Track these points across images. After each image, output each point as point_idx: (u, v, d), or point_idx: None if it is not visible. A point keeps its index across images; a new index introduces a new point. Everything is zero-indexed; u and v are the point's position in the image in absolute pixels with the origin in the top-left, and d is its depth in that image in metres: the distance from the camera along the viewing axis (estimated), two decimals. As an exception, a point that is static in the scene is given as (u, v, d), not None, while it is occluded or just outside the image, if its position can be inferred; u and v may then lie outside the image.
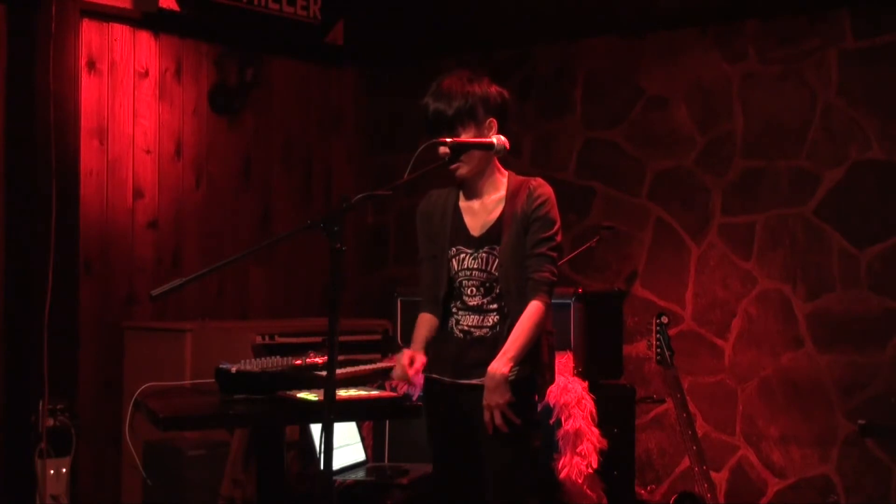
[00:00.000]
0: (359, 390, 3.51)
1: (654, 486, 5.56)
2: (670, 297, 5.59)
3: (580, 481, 4.32)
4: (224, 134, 5.96)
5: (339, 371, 3.26)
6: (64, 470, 4.87)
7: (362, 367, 3.65)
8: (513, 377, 3.32)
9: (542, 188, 3.45)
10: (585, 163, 5.90)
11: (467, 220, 3.49)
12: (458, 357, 3.46)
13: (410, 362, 3.41)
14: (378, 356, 5.04)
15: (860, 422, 4.83)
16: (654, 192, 5.68)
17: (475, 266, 3.44)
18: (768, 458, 5.32)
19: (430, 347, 3.53)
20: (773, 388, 5.31)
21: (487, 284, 3.44)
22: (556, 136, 5.99)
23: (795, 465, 5.25)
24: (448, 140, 3.34)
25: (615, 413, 4.58)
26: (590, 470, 4.34)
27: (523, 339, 3.34)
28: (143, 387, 3.67)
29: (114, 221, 5.44)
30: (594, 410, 4.42)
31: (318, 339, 5.24)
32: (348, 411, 3.50)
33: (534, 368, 3.40)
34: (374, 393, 3.52)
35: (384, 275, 6.57)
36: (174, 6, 5.47)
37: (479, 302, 3.45)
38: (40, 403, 4.85)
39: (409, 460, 4.65)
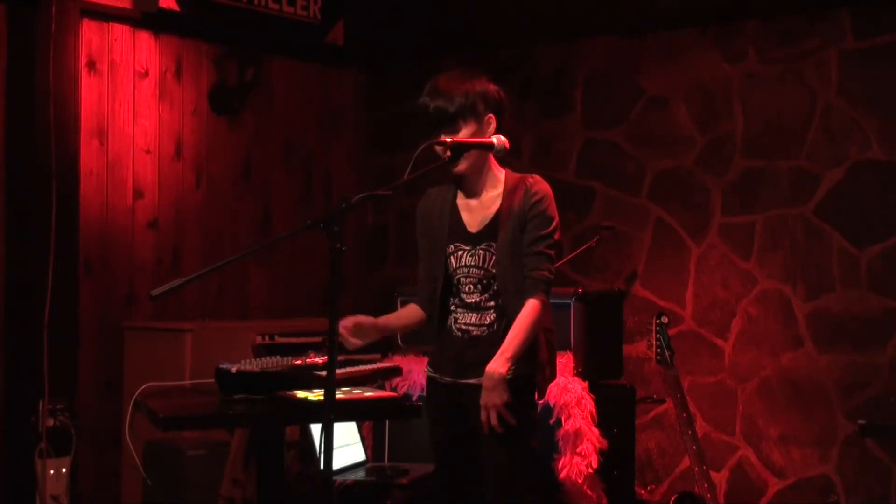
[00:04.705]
0: (359, 390, 3.51)
1: (654, 486, 5.56)
2: (670, 297, 5.59)
3: (580, 481, 4.32)
4: (224, 134, 5.95)
5: (339, 371, 3.26)
6: (64, 470, 4.87)
7: (362, 367, 3.65)
8: (511, 376, 3.32)
9: (540, 185, 3.45)
10: (585, 163, 5.90)
11: (465, 216, 3.50)
12: (457, 357, 3.46)
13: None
14: (378, 356, 5.03)
15: (860, 422, 4.82)
16: (654, 192, 5.68)
17: (472, 263, 3.44)
18: (768, 458, 5.32)
19: (431, 347, 3.53)
20: (773, 388, 5.31)
21: (485, 282, 3.44)
22: (556, 136, 5.99)
23: (795, 465, 5.25)
24: (448, 140, 3.34)
25: (615, 413, 4.58)
26: (590, 470, 4.34)
27: (521, 338, 3.33)
28: (143, 387, 3.66)
29: (114, 221, 5.44)
30: (594, 410, 4.42)
31: (318, 339, 5.25)
32: (348, 411, 3.50)
33: (532, 367, 3.40)
34: (374, 393, 3.52)
35: (384, 275, 6.57)
36: (174, 6, 5.47)
37: (477, 299, 3.45)
38: (40, 403, 4.85)
39: (409, 460, 4.65)
